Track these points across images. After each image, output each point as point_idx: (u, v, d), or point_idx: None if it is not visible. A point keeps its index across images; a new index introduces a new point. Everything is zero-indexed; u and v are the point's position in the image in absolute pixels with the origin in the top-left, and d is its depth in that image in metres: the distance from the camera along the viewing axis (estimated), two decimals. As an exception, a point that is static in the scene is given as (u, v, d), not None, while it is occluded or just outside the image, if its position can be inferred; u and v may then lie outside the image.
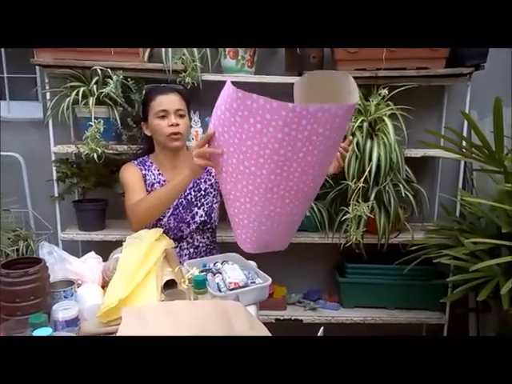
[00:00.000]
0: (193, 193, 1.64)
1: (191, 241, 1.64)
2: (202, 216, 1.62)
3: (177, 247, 1.61)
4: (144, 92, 1.62)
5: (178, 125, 1.53)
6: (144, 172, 1.59)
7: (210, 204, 1.64)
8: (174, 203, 1.57)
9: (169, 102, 1.53)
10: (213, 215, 1.67)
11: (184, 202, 1.60)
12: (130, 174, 1.58)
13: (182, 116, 1.56)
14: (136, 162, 1.62)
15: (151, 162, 1.63)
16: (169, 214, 1.57)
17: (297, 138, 0.91)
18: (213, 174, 1.68)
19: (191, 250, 1.64)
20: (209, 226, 1.67)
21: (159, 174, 1.61)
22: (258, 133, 0.93)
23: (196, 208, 1.61)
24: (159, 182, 1.60)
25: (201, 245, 1.66)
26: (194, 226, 1.62)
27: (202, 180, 1.66)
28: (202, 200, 1.63)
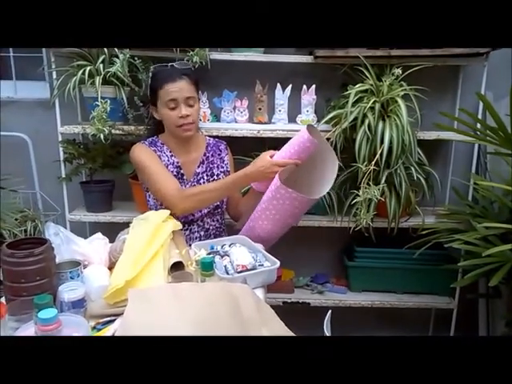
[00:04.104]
0: (205, 177, 1.62)
1: (202, 224, 1.63)
2: None
3: (187, 230, 1.61)
4: (150, 75, 1.56)
5: (188, 115, 1.49)
6: (158, 153, 1.56)
7: None
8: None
9: (178, 90, 1.47)
10: (224, 199, 1.65)
11: None
12: (149, 157, 1.53)
13: (191, 105, 1.50)
14: (147, 143, 1.58)
15: (162, 143, 1.59)
16: None
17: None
18: (225, 162, 1.67)
19: (202, 233, 1.63)
20: (219, 210, 1.66)
21: (172, 155, 1.58)
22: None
23: None
24: (173, 164, 1.57)
25: (211, 228, 1.66)
26: (205, 210, 1.61)
27: (215, 165, 1.65)
28: None
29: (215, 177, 1.63)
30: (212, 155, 1.66)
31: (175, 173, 1.57)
